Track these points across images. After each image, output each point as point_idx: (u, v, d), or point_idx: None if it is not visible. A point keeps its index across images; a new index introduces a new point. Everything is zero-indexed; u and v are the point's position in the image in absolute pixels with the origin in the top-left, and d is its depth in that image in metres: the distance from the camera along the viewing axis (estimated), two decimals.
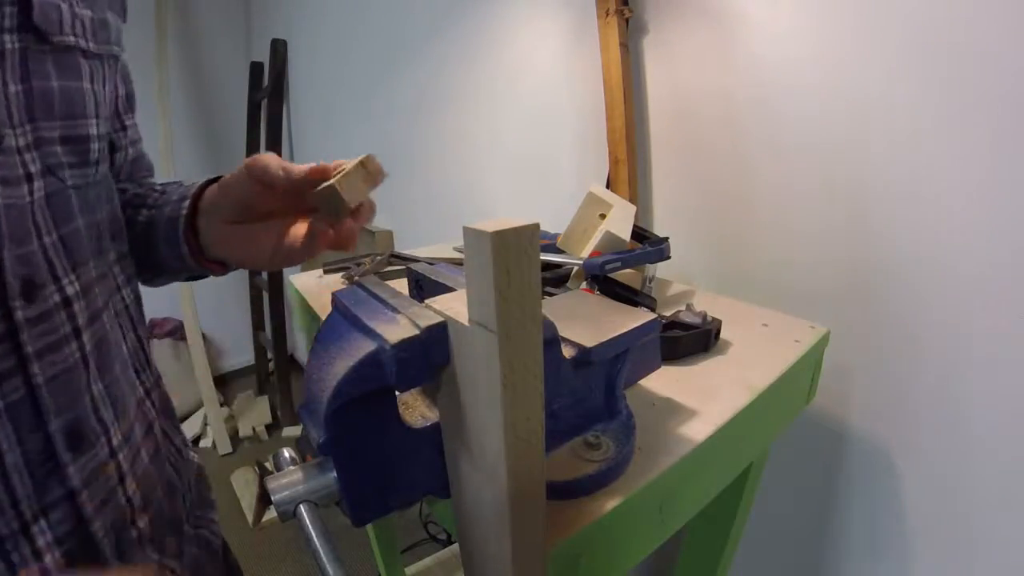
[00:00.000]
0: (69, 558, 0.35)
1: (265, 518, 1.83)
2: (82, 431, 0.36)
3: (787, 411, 0.57)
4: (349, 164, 0.39)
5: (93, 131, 0.38)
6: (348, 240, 0.41)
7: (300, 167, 0.40)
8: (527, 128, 1.09)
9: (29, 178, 0.33)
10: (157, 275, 0.54)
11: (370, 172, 0.39)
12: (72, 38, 0.35)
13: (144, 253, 0.50)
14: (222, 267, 0.50)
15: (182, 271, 0.52)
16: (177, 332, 2.49)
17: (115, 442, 0.38)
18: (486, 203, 1.25)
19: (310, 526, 0.26)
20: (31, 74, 0.33)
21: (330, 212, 0.40)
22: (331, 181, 0.38)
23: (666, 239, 0.63)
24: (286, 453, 0.27)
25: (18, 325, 0.32)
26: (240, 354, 2.84)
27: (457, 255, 0.87)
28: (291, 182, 0.40)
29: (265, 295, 2.38)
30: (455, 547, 1.35)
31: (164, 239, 0.48)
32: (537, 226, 0.23)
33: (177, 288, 2.19)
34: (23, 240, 0.33)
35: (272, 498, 0.26)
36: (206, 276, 0.54)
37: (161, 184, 0.55)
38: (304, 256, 0.43)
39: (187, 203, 0.47)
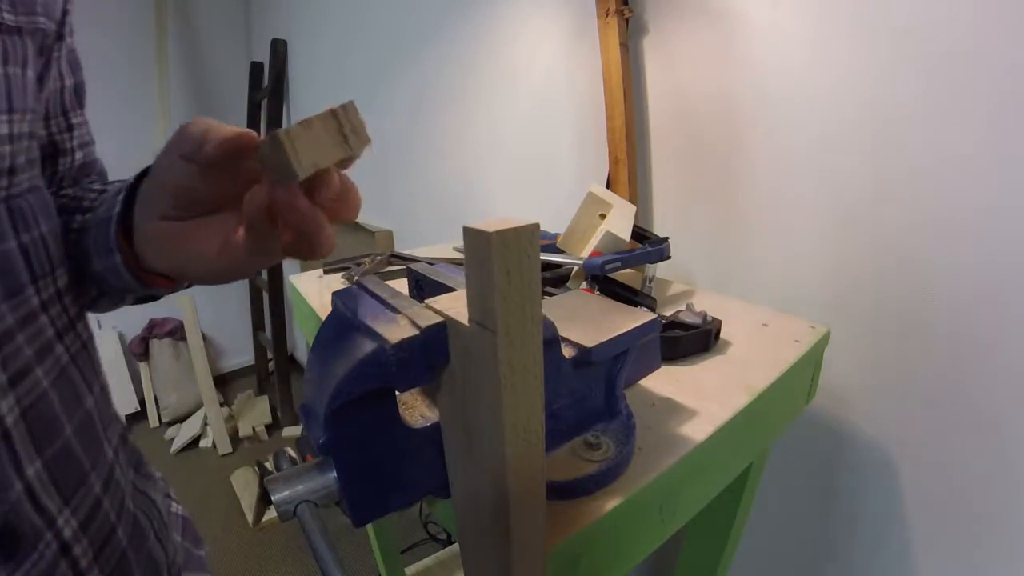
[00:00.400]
0: None
1: (265, 518, 1.83)
2: (16, 531, 0.28)
3: (787, 411, 0.57)
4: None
5: (1, 130, 0.30)
6: (304, 229, 0.26)
7: (227, 129, 0.27)
8: (527, 128, 1.09)
9: None
10: (98, 297, 0.42)
11: (343, 128, 0.25)
12: None
13: (79, 268, 0.39)
14: (167, 281, 0.38)
15: (123, 289, 0.39)
16: (177, 332, 2.50)
17: (67, 533, 0.31)
18: (486, 203, 1.25)
19: (310, 526, 0.26)
20: None
21: (279, 180, 0.26)
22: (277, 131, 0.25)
23: (666, 239, 0.63)
24: (286, 453, 0.27)
25: None
26: (240, 354, 2.84)
27: (457, 255, 0.87)
28: (217, 152, 0.27)
29: (265, 295, 2.38)
30: (455, 547, 1.35)
31: (96, 247, 0.37)
32: (537, 226, 0.23)
33: None
34: None
35: (272, 498, 0.26)
36: (157, 296, 0.42)
37: (103, 184, 0.44)
38: (254, 260, 0.29)
39: (120, 198, 0.35)
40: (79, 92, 0.43)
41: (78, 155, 0.43)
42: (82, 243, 0.38)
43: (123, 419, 0.42)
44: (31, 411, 0.30)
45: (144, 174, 0.34)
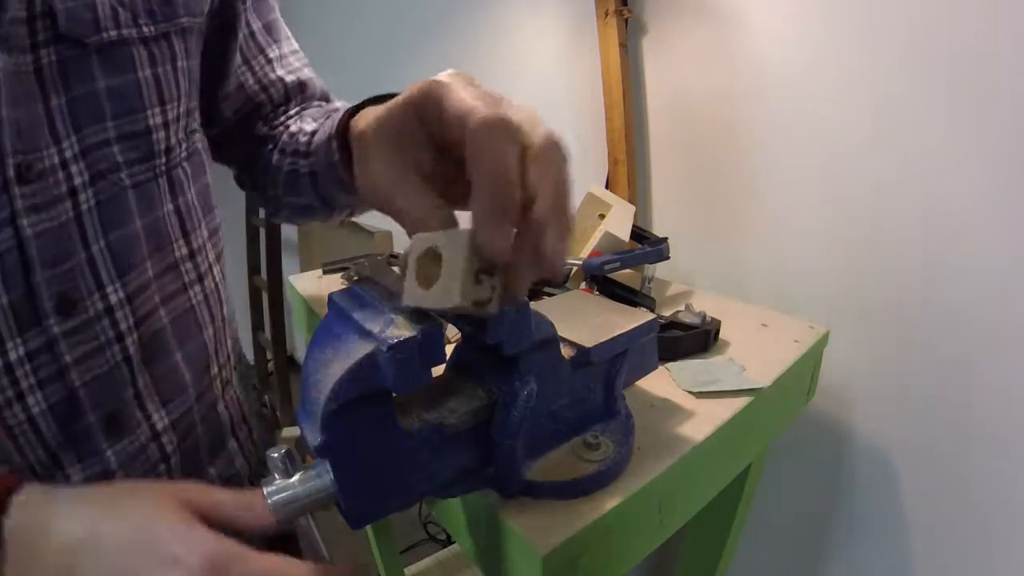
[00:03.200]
0: None
1: None
2: (121, 421, 0.37)
3: (787, 411, 0.57)
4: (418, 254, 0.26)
5: (155, 120, 0.37)
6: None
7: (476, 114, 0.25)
8: None
9: (73, 192, 0.33)
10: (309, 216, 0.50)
11: (480, 256, 0.23)
12: (114, 32, 0.33)
13: (322, 200, 0.45)
14: None
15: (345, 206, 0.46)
16: None
17: (159, 426, 0.39)
18: None
19: (306, 528, 0.26)
20: (73, 82, 0.32)
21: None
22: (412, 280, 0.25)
23: (665, 239, 0.63)
24: (274, 455, 0.27)
25: (54, 338, 0.33)
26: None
27: None
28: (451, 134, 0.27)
29: (265, 295, 2.37)
30: (455, 547, 1.35)
31: (327, 190, 0.43)
32: None
33: None
34: (58, 260, 0.33)
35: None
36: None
37: (317, 115, 0.48)
38: None
39: (335, 147, 0.38)
40: (269, 29, 0.49)
41: (289, 79, 0.50)
42: (315, 185, 0.44)
43: (236, 343, 0.50)
44: (149, 342, 0.38)
45: (355, 111, 0.37)
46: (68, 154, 0.33)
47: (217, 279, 0.45)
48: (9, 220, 0.31)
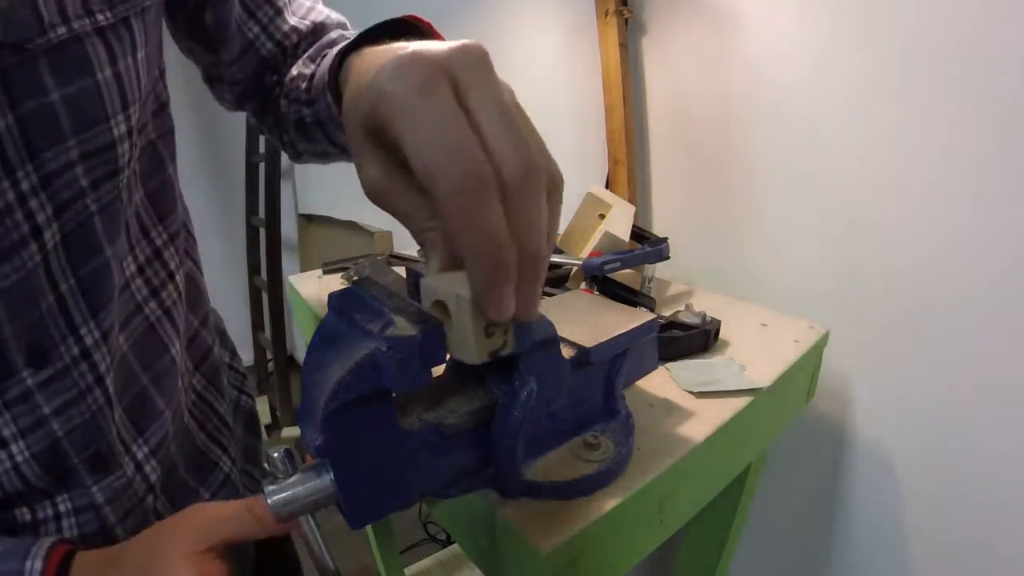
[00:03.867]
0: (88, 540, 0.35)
1: None
2: (105, 458, 0.35)
3: (786, 411, 0.57)
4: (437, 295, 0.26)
5: (120, 130, 0.31)
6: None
7: None
8: None
9: (37, 232, 0.29)
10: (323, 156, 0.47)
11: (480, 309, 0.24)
12: (63, 29, 0.27)
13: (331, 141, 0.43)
14: None
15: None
16: None
17: (140, 456, 0.37)
18: None
19: (306, 527, 0.26)
20: (20, 96, 0.26)
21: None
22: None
23: (665, 239, 0.63)
24: (274, 454, 0.27)
25: (29, 390, 0.30)
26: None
27: None
28: None
29: (264, 295, 2.37)
30: (455, 547, 1.35)
31: (333, 133, 0.41)
32: None
33: None
34: (25, 311, 0.29)
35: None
36: None
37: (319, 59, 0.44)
38: None
39: (331, 101, 0.37)
40: None
41: (303, 25, 0.45)
42: (326, 133, 0.42)
43: (216, 338, 0.48)
44: (125, 374, 0.35)
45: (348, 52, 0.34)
46: (25, 186, 0.28)
47: (180, 288, 0.41)
48: None
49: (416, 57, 0.22)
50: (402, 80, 0.21)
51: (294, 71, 0.44)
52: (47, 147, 0.28)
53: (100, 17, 0.29)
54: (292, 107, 0.43)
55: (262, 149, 2.02)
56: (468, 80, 0.22)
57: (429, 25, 0.36)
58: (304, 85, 0.42)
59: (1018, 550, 0.57)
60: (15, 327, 0.29)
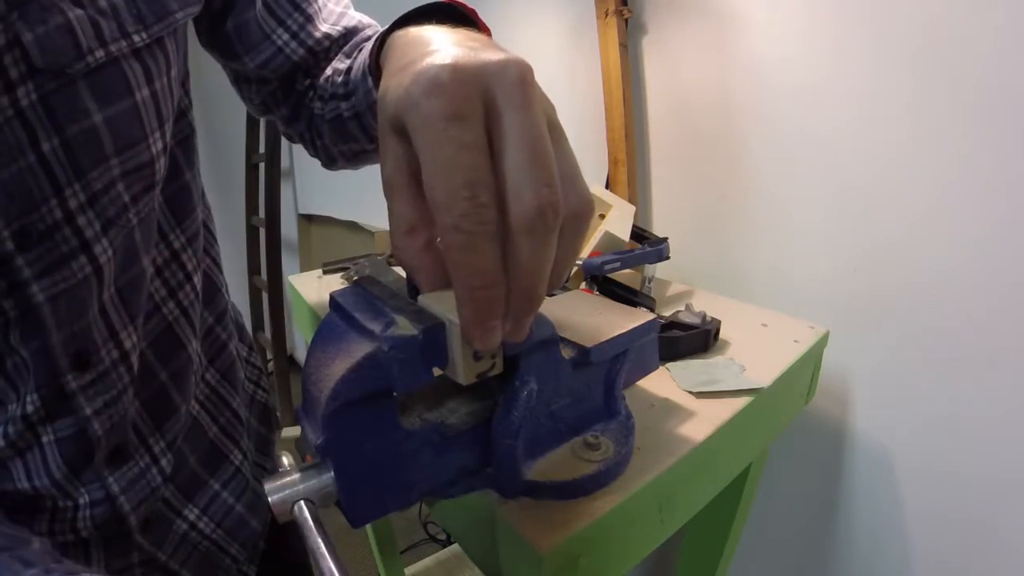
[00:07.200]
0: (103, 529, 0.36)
1: None
2: (124, 451, 0.36)
3: (786, 411, 0.57)
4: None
5: (157, 147, 0.33)
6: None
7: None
8: None
9: (86, 246, 0.30)
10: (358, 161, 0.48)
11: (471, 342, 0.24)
12: (101, 53, 0.28)
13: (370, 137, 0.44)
14: None
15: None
16: None
17: (156, 449, 0.38)
18: None
19: (307, 525, 0.26)
20: (64, 120, 0.27)
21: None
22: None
23: (665, 239, 0.63)
24: (284, 460, 0.27)
25: (70, 392, 0.32)
26: None
27: None
28: None
29: (265, 295, 2.38)
30: (455, 547, 1.35)
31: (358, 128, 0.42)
32: None
33: None
34: (74, 320, 0.30)
35: (269, 499, 0.26)
36: None
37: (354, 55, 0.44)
38: None
39: (369, 89, 0.38)
40: None
41: (335, 32, 0.44)
42: (363, 127, 0.42)
43: (232, 333, 0.49)
44: (150, 378, 0.37)
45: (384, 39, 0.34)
46: (73, 204, 0.29)
47: (197, 288, 0.42)
48: (7, 291, 0.28)
49: (455, 75, 0.21)
50: (436, 99, 0.21)
51: (328, 70, 0.44)
52: (91, 167, 0.29)
53: (136, 39, 0.30)
54: (328, 105, 0.44)
55: (262, 149, 2.02)
56: (503, 103, 0.22)
57: (473, 12, 0.36)
58: (341, 79, 0.42)
59: (1020, 550, 0.57)
60: (63, 334, 0.30)
